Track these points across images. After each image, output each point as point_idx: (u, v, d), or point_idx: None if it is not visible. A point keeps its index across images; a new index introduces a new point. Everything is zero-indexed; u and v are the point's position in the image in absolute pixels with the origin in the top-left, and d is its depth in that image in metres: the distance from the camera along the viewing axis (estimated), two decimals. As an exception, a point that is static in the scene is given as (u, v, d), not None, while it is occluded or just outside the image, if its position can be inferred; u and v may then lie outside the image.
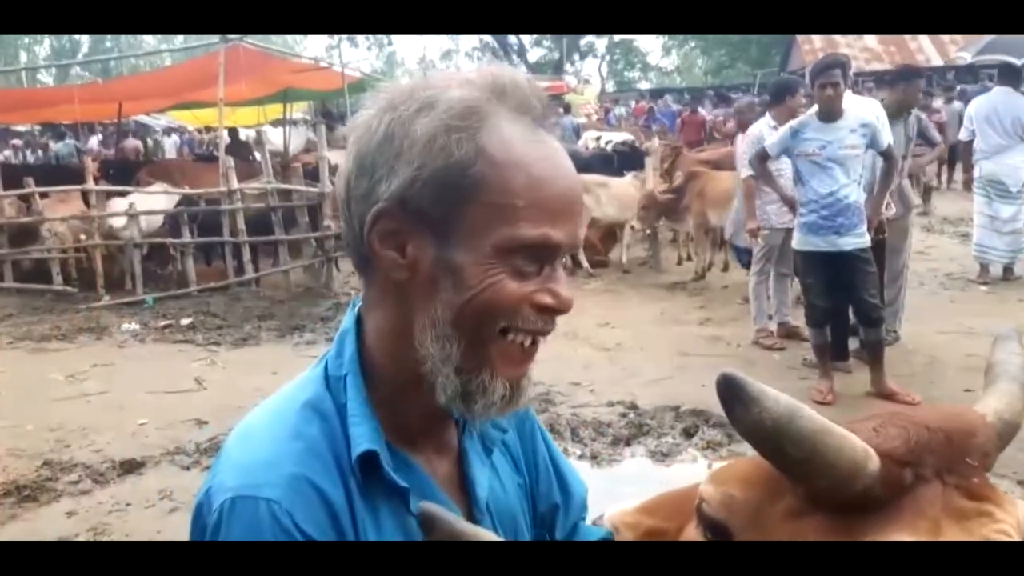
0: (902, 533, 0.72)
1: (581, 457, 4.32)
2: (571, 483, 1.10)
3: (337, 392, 0.86)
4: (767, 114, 6.20)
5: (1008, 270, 7.70)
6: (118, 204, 9.01)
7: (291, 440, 0.82)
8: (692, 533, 0.90)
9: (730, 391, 0.73)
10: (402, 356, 0.84)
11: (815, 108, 4.88)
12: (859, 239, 4.76)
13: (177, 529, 3.68)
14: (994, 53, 8.54)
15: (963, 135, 7.86)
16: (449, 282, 0.81)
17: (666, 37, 37.46)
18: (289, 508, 0.77)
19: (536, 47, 41.93)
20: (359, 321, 0.90)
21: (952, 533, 0.73)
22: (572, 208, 0.83)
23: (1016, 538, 0.74)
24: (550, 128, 0.85)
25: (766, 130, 5.75)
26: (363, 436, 0.83)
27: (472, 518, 0.91)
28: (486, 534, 0.78)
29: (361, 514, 0.82)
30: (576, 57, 41.08)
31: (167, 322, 7.60)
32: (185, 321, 7.57)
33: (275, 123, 16.35)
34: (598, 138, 12.12)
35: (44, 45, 45.94)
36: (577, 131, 15.65)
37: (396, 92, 0.83)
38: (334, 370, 0.88)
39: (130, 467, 4.48)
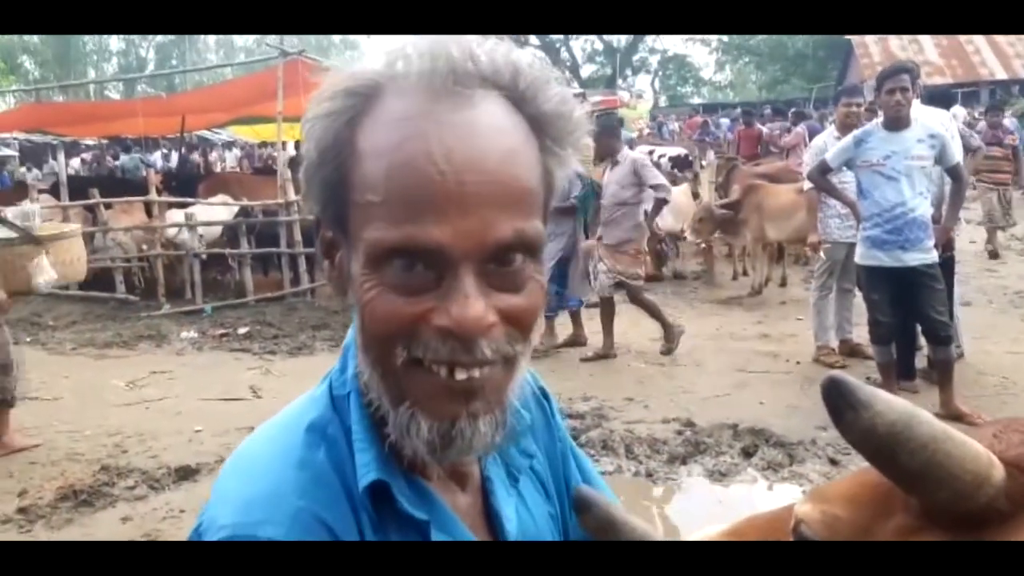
0: None
1: (636, 474, 4.23)
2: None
3: (343, 413, 0.75)
4: (830, 125, 6.08)
5: None
6: (177, 215, 9.22)
7: (295, 469, 0.71)
8: None
9: (839, 395, 0.66)
10: None
11: (880, 117, 4.73)
12: (926, 254, 4.59)
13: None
14: None
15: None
16: (355, 296, 0.69)
17: (720, 52, 37.12)
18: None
19: (589, 63, 42.01)
20: None
21: None
22: (459, 198, 0.63)
23: None
24: (489, 87, 0.67)
25: (830, 140, 5.61)
26: (370, 464, 0.71)
27: None
28: (641, 525, 0.69)
29: None
30: (628, 72, 41.01)
31: (224, 331, 7.71)
32: (242, 330, 7.67)
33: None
34: (651, 152, 12.00)
35: (112, 62, 47.57)
36: (631, 145, 15.57)
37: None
38: (338, 388, 0.77)
39: (185, 474, 4.52)
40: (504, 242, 0.65)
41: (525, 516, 0.85)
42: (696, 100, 39.92)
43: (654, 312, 6.33)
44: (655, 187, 6.03)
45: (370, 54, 0.70)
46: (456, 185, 0.63)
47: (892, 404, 0.66)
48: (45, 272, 5.54)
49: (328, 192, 0.69)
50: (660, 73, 43.77)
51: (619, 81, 37.12)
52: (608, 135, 6.17)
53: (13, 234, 5.71)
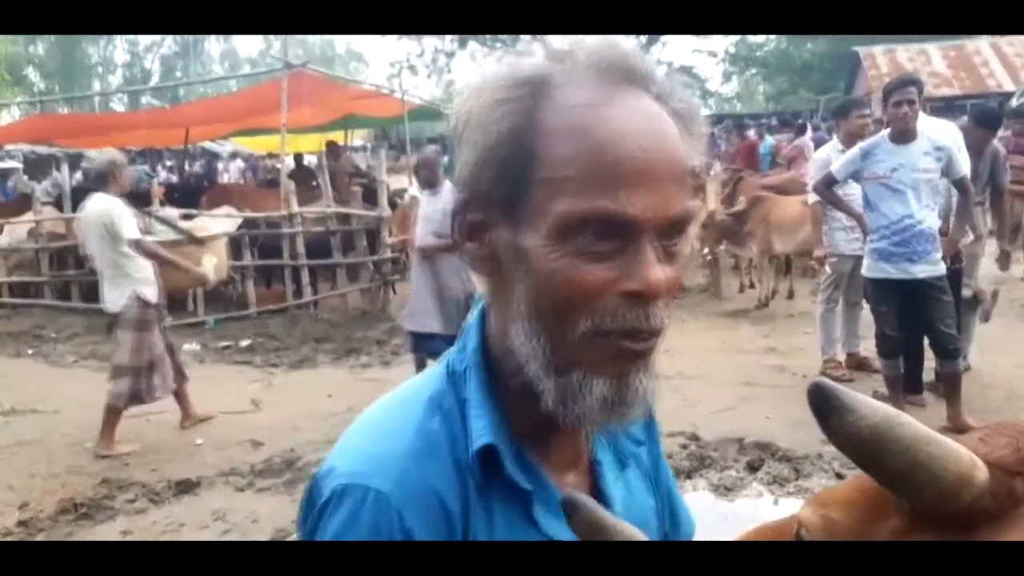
0: None
1: (640, 489, 4.18)
2: (683, 519, 1.03)
3: (459, 387, 0.81)
4: (833, 137, 6.05)
5: None
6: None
7: (412, 435, 0.77)
8: None
9: (824, 399, 0.68)
10: (515, 356, 0.77)
11: (887, 129, 4.70)
12: (933, 267, 4.55)
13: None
14: None
15: None
16: (523, 271, 0.73)
17: (727, 63, 37.14)
18: (398, 502, 0.73)
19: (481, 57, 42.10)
20: (483, 316, 0.84)
21: None
22: (650, 173, 0.70)
23: None
24: (645, 86, 0.74)
25: (833, 153, 5.57)
26: (484, 429, 0.77)
27: None
28: (629, 528, 0.70)
29: (475, 518, 0.76)
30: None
31: (227, 343, 7.69)
32: (244, 343, 7.66)
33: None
34: None
35: (117, 74, 47.82)
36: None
37: (474, 73, 0.79)
38: (456, 365, 0.83)
39: (186, 487, 4.49)
40: (678, 217, 0.72)
41: (631, 503, 0.89)
42: (703, 112, 39.87)
43: None
44: None
45: (527, 51, 0.76)
46: (645, 164, 0.70)
47: (875, 408, 0.67)
48: (208, 271, 6.47)
49: (503, 173, 0.72)
50: (665, 84, 43.83)
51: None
52: (430, 166, 5.80)
53: (179, 236, 6.66)
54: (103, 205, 4.98)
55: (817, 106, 25.49)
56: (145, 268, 5.11)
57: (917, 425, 0.68)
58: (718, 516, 3.96)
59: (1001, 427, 0.76)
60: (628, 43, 0.75)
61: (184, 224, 7.13)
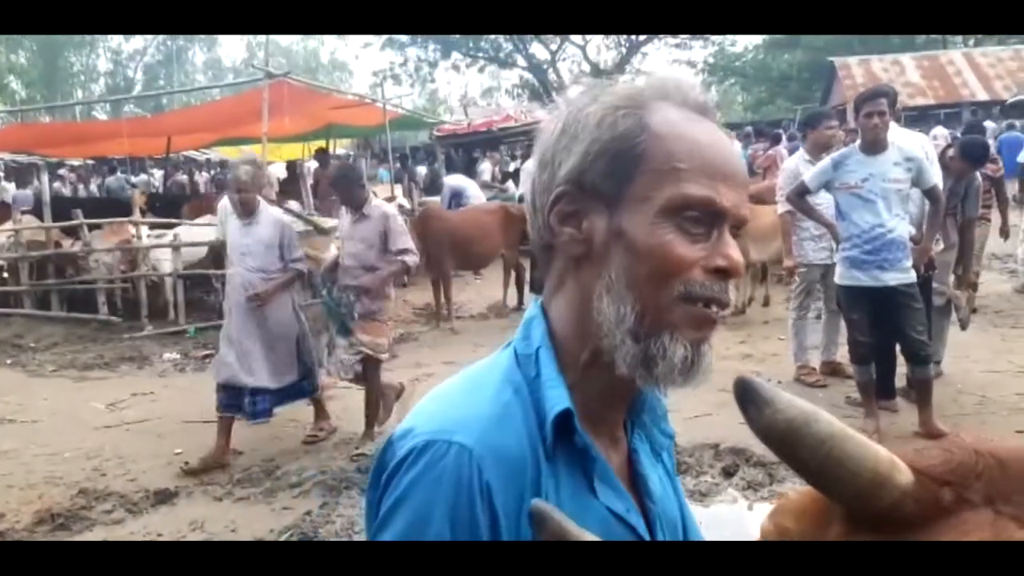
0: None
1: (617, 495, 4.23)
2: (691, 533, 1.08)
3: (527, 368, 0.89)
4: (800, 148, 6.13)
5: None
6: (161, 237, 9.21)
7: (488, 402, 0.86)
8: None
9: (744, 393, 0.72)
10: (584, 331, 0.87)
11: (859, 140, 4.79)
12: (904, 274, 4.63)
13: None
14: None
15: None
16: (621, 247, 0.85)
17: (706, 74, 37.41)
18: (479, 457, 0.80)
19: (576, 85, 42.23)
20: (543, 310, 0.94)
21: None
22: (735, 177, 0.86)
23: None
24: (713, 118, 0.90)
25: (801, 164, 5.67)
26: (561, 397, 0.85)
27: (645, 510, 0.94)
28: (592, 537, 0.74)
29: (545, 481, 0.84)
30: (616, 93, 41.26)
31: (207, 352, 7.67)
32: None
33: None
34: None
35: (99, 83, 47.52)
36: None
37: (570, 97, 0.93)
38: (523, 349, 0.91)
39: (164, 497, 4.49)
40: (745, 217, 0.87)
41: (662, 491, 0.98)
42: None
43: (375, 399, 5.23)
44: (402, 253, 5.08)
45: (629, 80, 0.93)
46: (735, 168, 0.87)
47: (793, 403, 0.71)
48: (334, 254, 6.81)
49: (616, 163, 0.86)
50: (647, 94, 44.04)
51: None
52: (349, 183, 5.19)
53: (307, 227, 7.16)
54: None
55: (795, 116, 25.74)
56: None
57: (836, 424, 0.70)
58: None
59: (945, 442, 0.76)
60: (700, 84, 0.94)
61: (318, 218, 7.66)
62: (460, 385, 0.92)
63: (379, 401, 5.24)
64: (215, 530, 4.05)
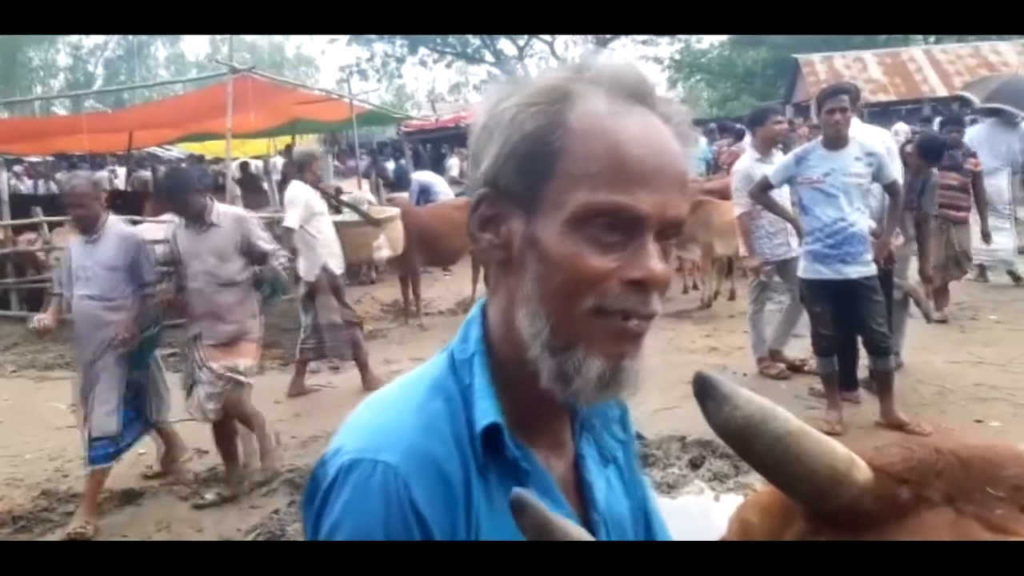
0: None
1: (585, 488, 4.26)
2: (656, 530, 1.08)
3: (461, 374, 0.86)
4: (749, 147, 6.20)
5: (1012, 274, 8.68)
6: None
7: (415, 413, 0.82)
8: None
9: (703, 389, 0.72)
10: (513, 339, 0.83)
11: (821, 136, 4.86)
12: (865, 268, 4.72)
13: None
14: (1003, 100, 8.93)
15: None
16: (534, 256, 0.80)
17: (672, 70, 37.62)
18: (405, 476, 0.77)
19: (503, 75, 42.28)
20: (484, 311, 0.90)
21: None
22: (659, 177, 0.78)
23: None
24: (653, 106, 0.82)
25: (752, 164, 5.74)
26: (489, 409, 0.82)
27: (589, 521, 0.90)
28: (575, 528, 0.72)
29: (476, 492, 0.81)
30: (583, 89, 41.35)
31: (173, 351, 7.57)
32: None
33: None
34: None
35: (59, 78, 46.60)
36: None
37: (497, 87, 0.86)
38: (459, 354, 0.88)
39: (128, 497, 4.43)
40: (676, 219, 0.80)
41: (611, 498, 0.95)
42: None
43: (248, 423, 4.70)
44: (268, 255, 4.52)
45: (553, 68, 0.86)
46: (658, 167, 0.78)
47: (751, 400, 0.70)
48: (383, 248, 7.61)
49: (526, 166, 0.80)
50: (614, 90, 44.21)
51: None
52: (182, 190, 4.40)
53: (358, 217, 7.38)
54: (292, 191, 6.07)
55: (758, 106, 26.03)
56: (332, 244, 6.13)
57: (793, 421, 0.70)
58: (662, 513, 4.05)
59: (906, 441, 0.77)
60: (642, 68, 0.85)
61: (364, 207, 7.82)
62: (392, 394, 0.88)
63: (255, 430, 4.65)
64: (180, 530, 4.02)
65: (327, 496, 0.79)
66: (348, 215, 7.48)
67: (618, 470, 1.00)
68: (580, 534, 0.71)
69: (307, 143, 13.71)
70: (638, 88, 0.82)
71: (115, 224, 4.40)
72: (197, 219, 4.41)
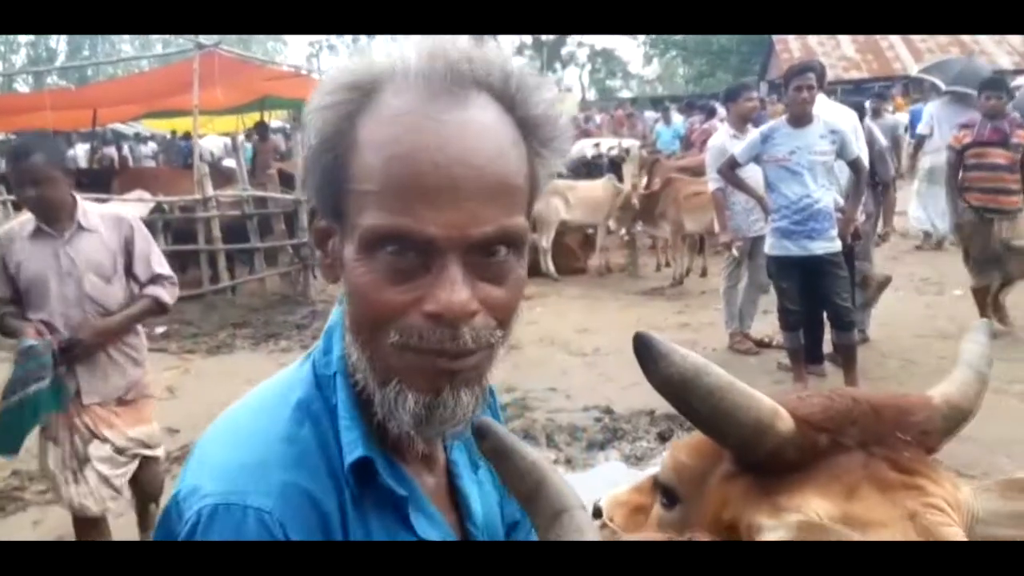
0: (814, 495, 0.74)
1: (556, 461, 4.30)
2: (519, 533, 1.06)
3: (327, 392, 0.79)
4: (724, 123, 6.23)
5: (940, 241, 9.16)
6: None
7: (282, 443, 0.74)
8: (656, 504, 0.98)
9: (643, 348, 0.78)
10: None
11: (786, 114, 4.91)
12: (830, 243, 4.79)
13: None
14: (964, 83, 9.06)
15: (923, 130, 8.99)
16: (346, 281, 0.74)
17: (648, 46, 37.67)
18: (281, 518, 0.69)
19: (517, 55, 41.99)
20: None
21: (872, 501, 0.74)
22: (455, 191, 0.67)
23: (951, 513, 0.74)
24: (492, 94, 0.72)
25: (727, 140, 5.78)
26: (356, 442, 0.75)
27: (465, 532, 0.87)
28: (534, 454, 0.74)
29: (353, 526, 0.74)
30: (558, 66, 41.23)
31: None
32: (159, 330, 7.48)
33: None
34: (597, 144, 11.94)
35: (20, 54, 45.55)
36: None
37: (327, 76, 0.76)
38: (322, 368, 0.81)
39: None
40: (488, 235, 0.69)
41: (484, 499, 0.92)
42: (626, 94, 40.41)
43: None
44: (155, 281, 3.15)
45: (372, 52, 0.73)
46: (447, 180, 0.67)
47: (687, 357, 0.77)
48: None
49: (326, 180, 0.72)
50: (588, 66, 44.14)
51: (547, 74, 37.14)
52: (40, 173, 2.89)
53: None
54: None
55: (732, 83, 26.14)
56: None
57: (724, 376, 0.77)
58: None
59: (826, 391, 0.85)
60: (465, 45, 0.72)
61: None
62: (251, 416, 0.79)
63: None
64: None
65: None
66: None
67: (488, 471, 0.94)
68: (538, 457, 0.74)
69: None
70: (454, 73, 0.69)
71: (92, 209, 3.15)
72: (59, 221, 3.00)
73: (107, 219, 3.14)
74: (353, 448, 0.75)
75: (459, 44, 0.72)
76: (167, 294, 3.21)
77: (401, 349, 0.71)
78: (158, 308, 3.21)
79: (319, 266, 0.80)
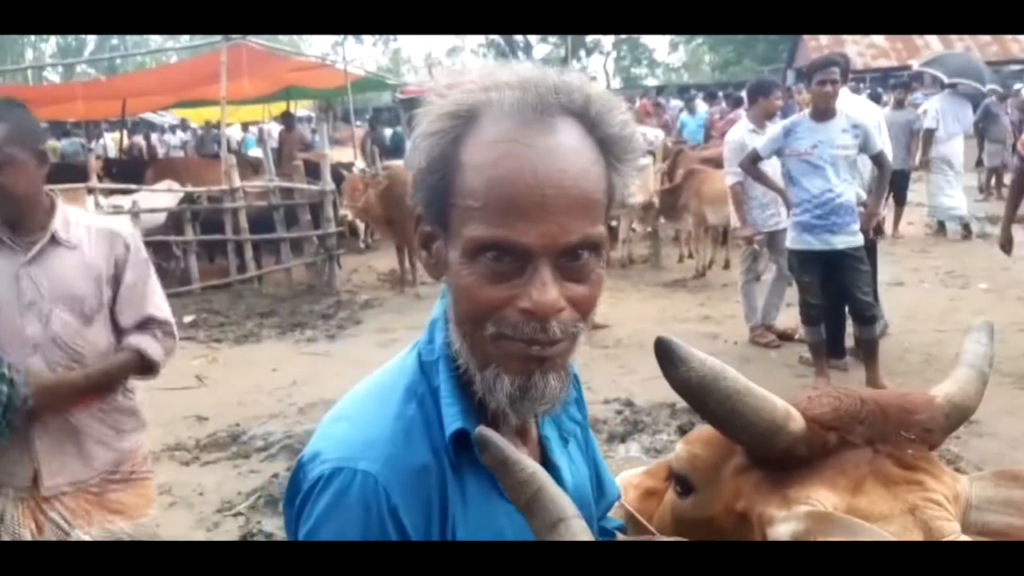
0: (822, 488, 0.79)
1: (575, 454, 4.36)
2: (607, 485, 1.17)
3: (431, 376, 0.91)
4: (744, 117, 6.20)
5: (966, 227, 9.60)
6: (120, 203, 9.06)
7: (392, 421, 0.87)
8: (670, 492, 1.04)
9: (663, 352, 0.84)
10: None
11: (809, 108, 4.90)
12: (852, 238, 4.79)
13: (176, 525, 3.73)
14: (963, 76, 9.89)
15: (930, 123, 9.44)
16: (450, 280, 0.86)
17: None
18: (385, 483, 0.82)
19: (542, 43, 41.81)
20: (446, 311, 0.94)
21: (876, 495, 0.80)
22: (546, 206, 0.79)
23: (948, 508, 0.80)
24: (574, 115, 0.82)
25: (746, 135, 5.76)
26: (456, 415, 0.87)
27: None
28: (533, 465, 0.77)
29: (452, 494, 0.86)
30: (583, 54, 40.99)
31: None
32: (187, 319, 7.62)
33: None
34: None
35: (50, 43, 46.05)
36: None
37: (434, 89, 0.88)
38: (427, 355, 0.93)
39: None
40: (573, 243, 0.81)
41: (574, 472, 1.02)
42: (651, 82, 40.12)
43: None
44: (146, 325, 2.29)
45: (467, 82, 0.85)
46: (539, 197, 0.79)
47: (705, 362, 0.83)
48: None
49: (433, 195, 0.84)
50: (613, 55, 43.83)
51: (572, 63, 37.01)
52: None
53: None
54: None
55: (762, 76, 25.86)
56: None
57: (741, 380, 0.83)
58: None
59: (835, 390, 0.91)
60: (557, 76, 0.84)
61: None
62: (366, 398, 0.92)
63: None
64: (183, 494, 4.12)
65: (306, 499, 0.84)
66: None
67: (577, 444, 1.07)
68: (537, 468, 0.77)
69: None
70: (545, 102, 0.81)
71: (77, 218, 2.26)
72: (22, 225, 2.16)
73: (96, 233, 2.25)
74: (453, 421, 0.87)
75: (548, 75, 0.84)
76: (158, 347, 2.30)
77: (498, 339, 0.83)
78: (142, 365, 2.28)
79: (423, 265, 0.92)
